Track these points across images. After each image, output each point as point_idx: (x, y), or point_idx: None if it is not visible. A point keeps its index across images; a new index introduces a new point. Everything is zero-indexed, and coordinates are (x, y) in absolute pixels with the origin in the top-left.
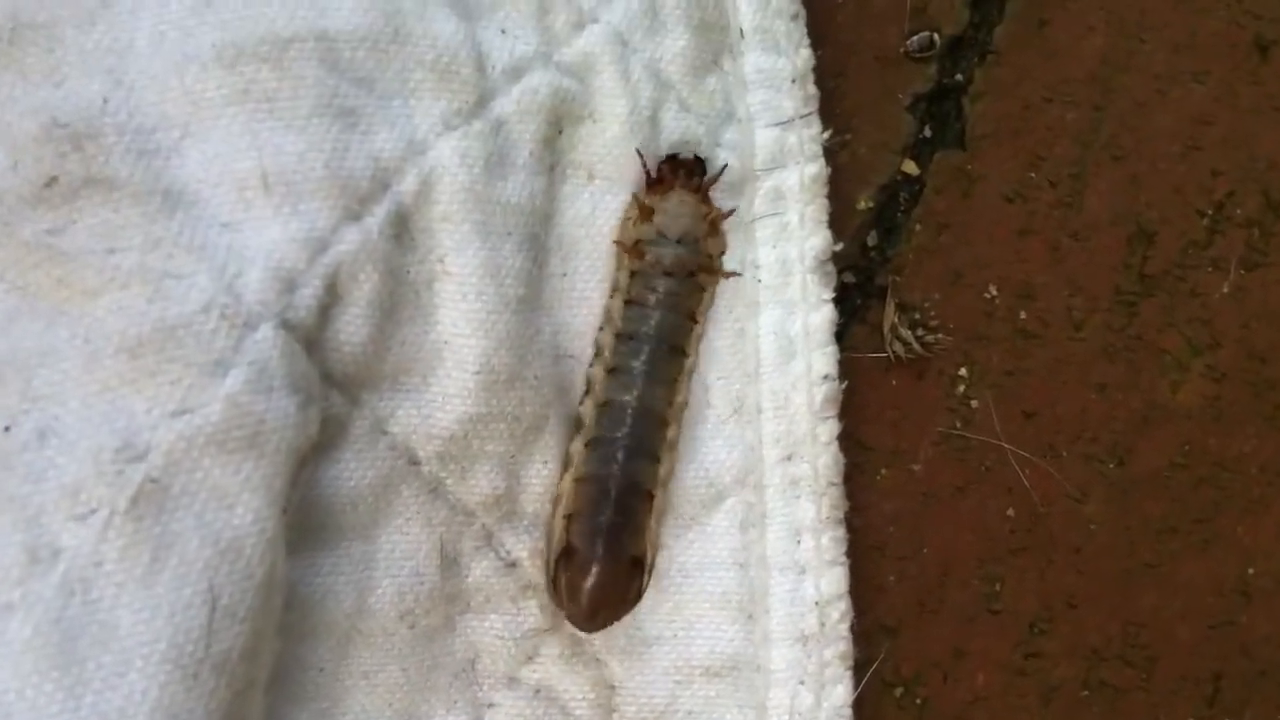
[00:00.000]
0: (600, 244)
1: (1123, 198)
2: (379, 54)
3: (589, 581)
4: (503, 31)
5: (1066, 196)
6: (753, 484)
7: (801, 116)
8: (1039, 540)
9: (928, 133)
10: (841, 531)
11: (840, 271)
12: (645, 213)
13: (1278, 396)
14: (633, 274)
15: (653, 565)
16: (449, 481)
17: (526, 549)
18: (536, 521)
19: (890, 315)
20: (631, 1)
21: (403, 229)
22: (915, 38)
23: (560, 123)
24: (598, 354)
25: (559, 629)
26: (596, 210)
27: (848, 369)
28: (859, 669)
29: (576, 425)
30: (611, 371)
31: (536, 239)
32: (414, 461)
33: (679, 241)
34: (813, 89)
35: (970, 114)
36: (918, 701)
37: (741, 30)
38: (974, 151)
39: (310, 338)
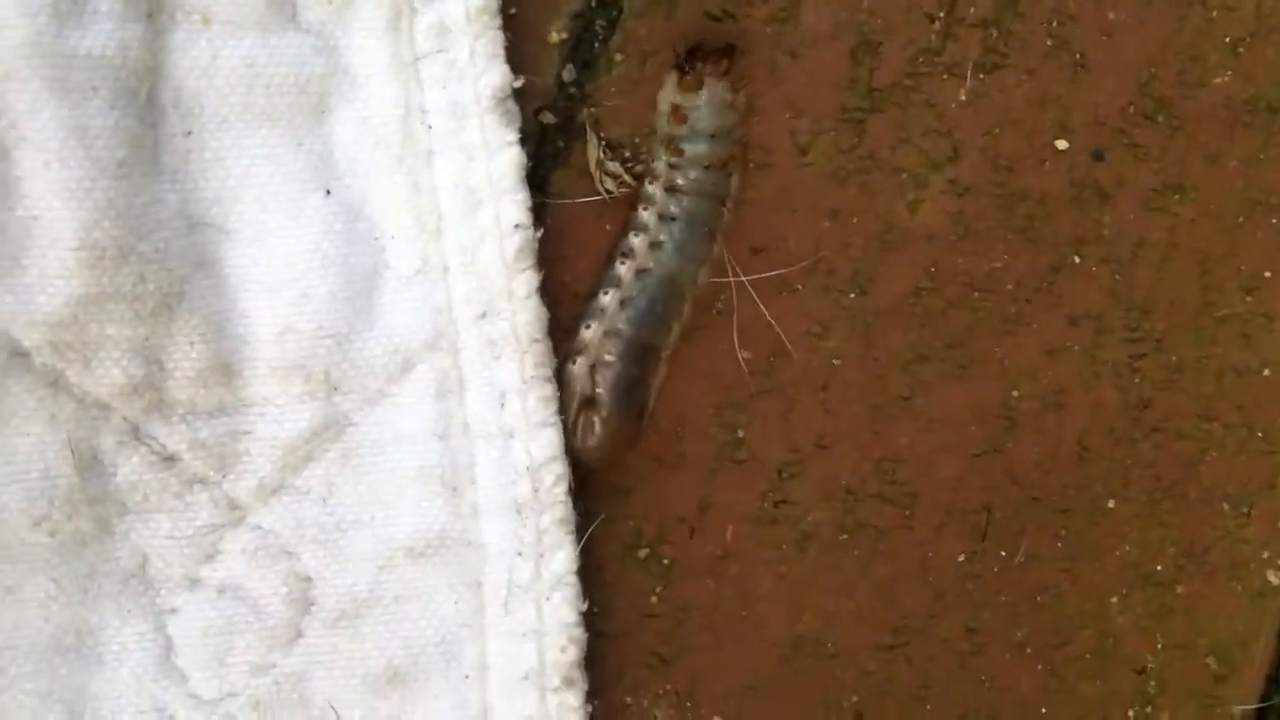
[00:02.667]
0: (229, 94)
1: (842, 7)
2: None
3: (607, 427)
4: None
5: (780, 10)
6: (445, 348)
7: None
8: (780, 382)
9: None
10: (550, 389)
11: (537, 112)
12: (680, 115)
13: (1028, 207)
14: (670, 165)
15: (648, 416)
16: (69, 372)
17: (185, 440)
18: (194, 409)
19: (594, 151)
20: None
21: None
22: None
23: None
24: (640, 228)
25: (238, 523)
26: (218, 59)
27: (555, 216)
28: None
29: (614, 283)
30: (652, 246)
31: (135, 94)
32: (20, 354)
33: (713, 136)
34: None
35: None
36: (664, 561)
37: None
38: None
39: None
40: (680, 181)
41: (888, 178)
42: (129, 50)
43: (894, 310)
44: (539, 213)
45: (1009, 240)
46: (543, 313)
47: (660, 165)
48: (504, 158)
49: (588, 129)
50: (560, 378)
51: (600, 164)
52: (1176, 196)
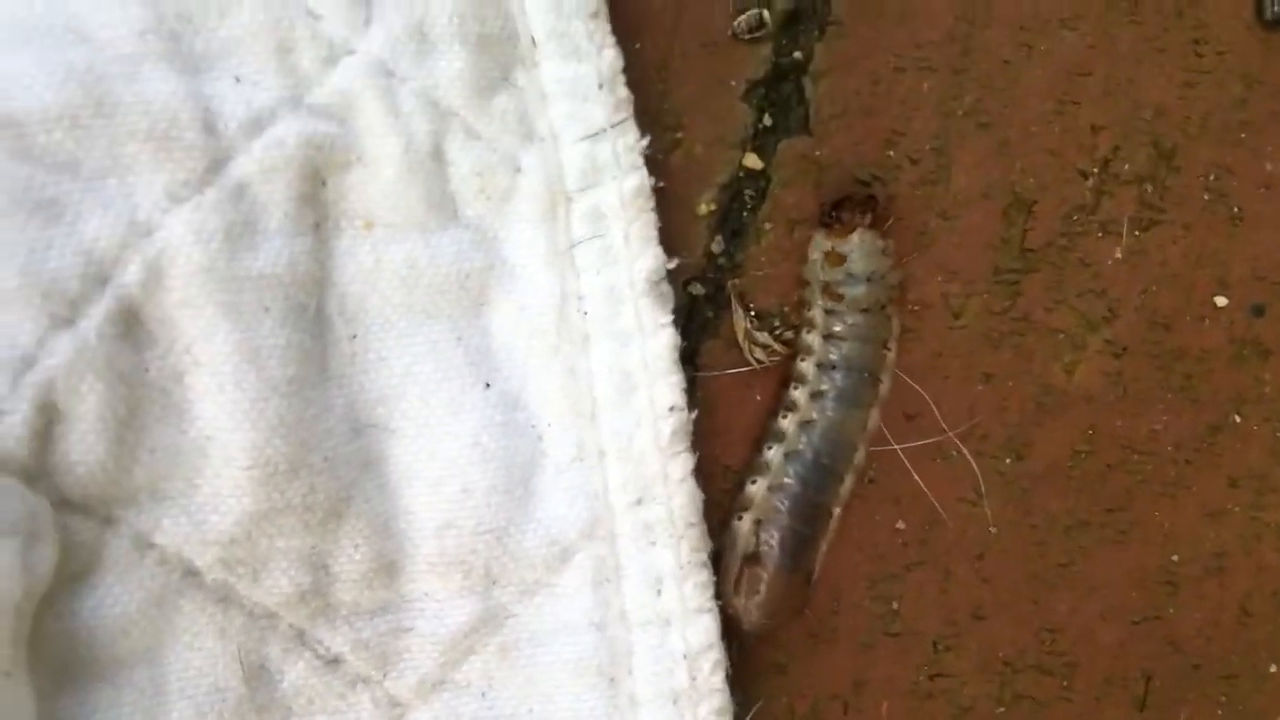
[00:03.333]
0: (391, 295)
1: (994, 167)
2: (80, 131)
3: (770, 587)
4: (237, 80)
5: (931, 173)
6: (602, 535)
7: (614, 125)
8: (935, 551)
9: (768, 121)
10: (706, 575)
11: (686, 284)
12: (835, 259)
13: (1186, 366)
14: (828, 312)
15: (815, 581)
16: (240, 586)
17: (349, 642)
18: (358, 610)
19: (741, 322)
20: (393, 26)
21: (133, 324)
22: (743, 17)
23: (322, 174)
24: (800, 380)
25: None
26: (381, 261)
27: (705, 391)
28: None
29: (778, 437)
30: (815, 396)
31: (305, 309)
32: (192, 572)
33: (869, 279)
34: (624, 92)
35: (814, 95)
36: None
37: (534, 38)
38: (821, 136)
39: (30, 467)
40: (838, 328)
41: (1043, 339)
42: (298, 265)
43: (1051, 475)
44: (689, 387)
45: (1168, 400)
46: (698, 495)
47: (817, 313)
48: (658, 340)
49: (733, 300)
50: (725, 537)
51: (749, 335)
52: None
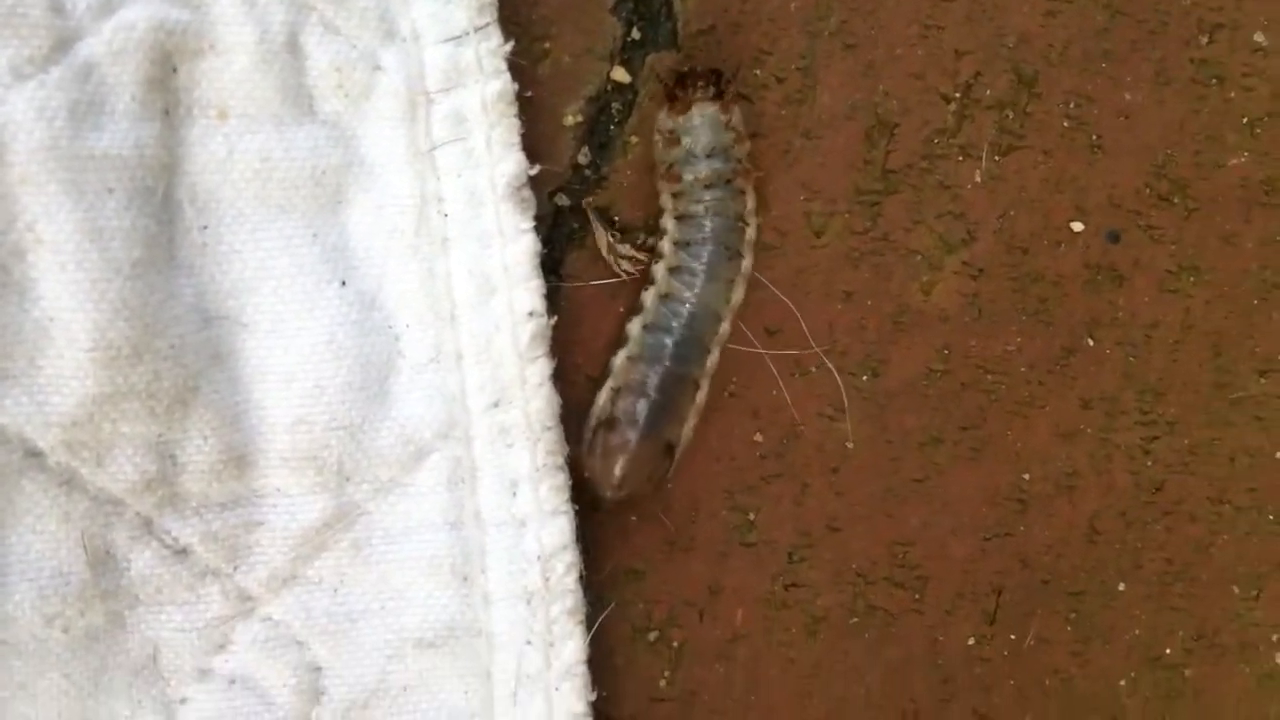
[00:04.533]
0: (245, 188)
1: (858, 89)
2: None
3: (624, 452)
4: None
5: (796, 92)
6: (458, 436)
7: (477, 29)
8: (792, 464)
9: (636, 35)
10: (562, 478)
11: (552, 194)
12: (671, 139)
13: (1041, 289)
14: (674, 194)
15: (680, 455)
16: (83, 470)
17: (198, 533)
18: (207, 502)
19: (603, 237)
20: None
21: None
22: None
23: (173, 59)
24: (658, 256)
25: (249, 613)
26: (235, 152)
27: (568, 300)
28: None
29: (636, 309)
30: (673, 270)
31: (152, 192)
32: (34, 453)
33: (709, 155)
34: None
35: (682, 10)
36: (674, 645)
37: None
38: (690, 51)
39: None
40: (689, 207)
41: (901, 259)
42: (145, 149)
43: (907, 392)
44: (553, 296)
45: (1023, 322)
46: (555, 400)
47: (665, 195)
48: (519, 245)
49: (592, 217)
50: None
51: (611, 248)
52: (1192, 278)
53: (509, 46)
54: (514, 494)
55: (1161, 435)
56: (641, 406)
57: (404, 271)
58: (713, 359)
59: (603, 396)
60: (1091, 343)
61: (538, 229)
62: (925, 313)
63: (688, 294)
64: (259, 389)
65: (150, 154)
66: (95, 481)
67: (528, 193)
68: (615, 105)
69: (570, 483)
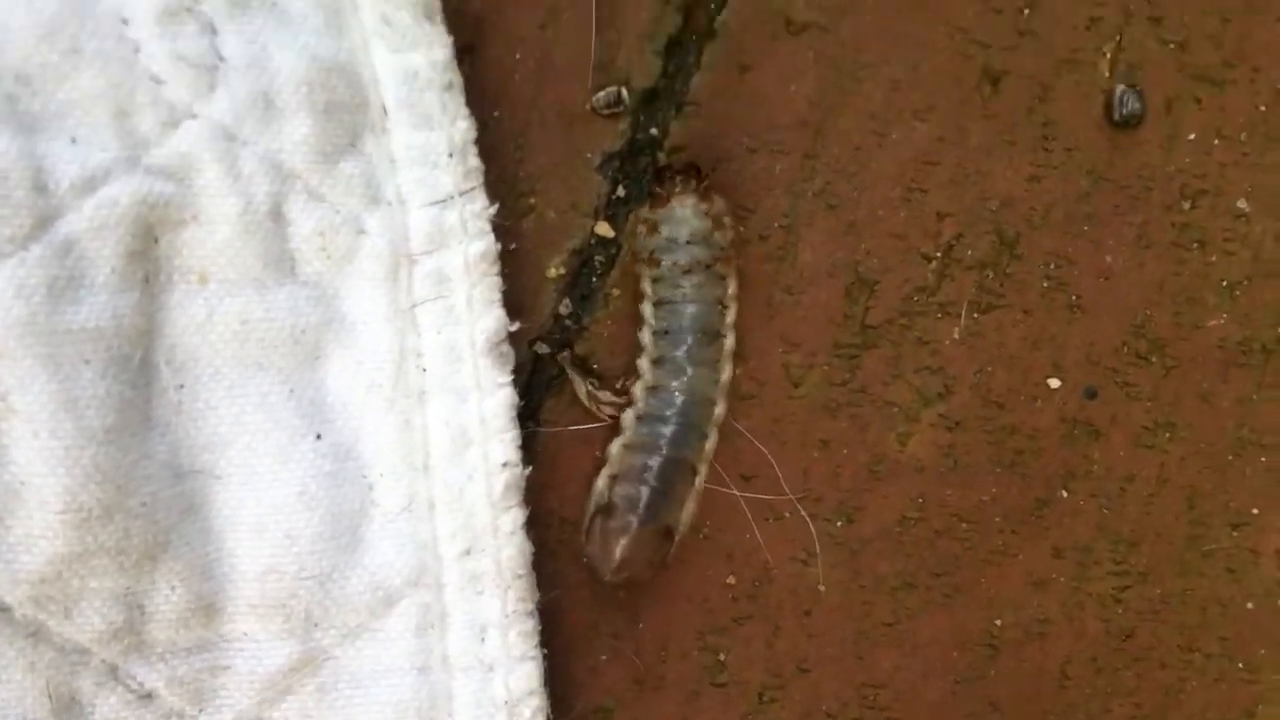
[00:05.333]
0: (223, 349)
1: (840, 247)
2: None
3: (623, 536)
4: (73, 141)
5: (779, 249)
6: (429, 583)
7: (463, 192)
8: (765, 606)
9: (621, 192)
10: (531, 624)
11: (532, 343)
12: (651, 227)
13: (1017, 442)
14: (654, 280)
15: (679, 537)
16: (50, 623)
17: (163, 678)
18: (173, 648)
19: (581, 387)
20: (238, 92)
21: None
22: (602, 93)
23: (154, 230)
24: (641, 350)
25: None
26: (214, 314)
27: (545, 446)
28: None
29: (628, 402)
30: (656, 361)
31: (129, 359)
32: (1, 608)
33: (689, 242)
34: (475, 162)
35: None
36: None
37: (385, 107)
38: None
39: None
40: (669, 294)
41: (878, 410)
42: (123, 318)
43: (880, 539)
44: (529, 441)
45: (998, 474)
46: (527, 548)
47: (645, 283)
48: (496, 399)
49: (568, 369)
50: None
51: (591, 396)
52: (1167, 434)
53: (494, 209)
54: (483, 640)
55: (1134, 584)
56: (640, 493)
57: (380, 424)
58: (710, 442)
59: (600, 483)
60: (1066, 494)
61: (516, 376)
62: (901, 463)
63: (675, 383)
64: (230, 539)
65: (129, 323)
66: (62, 632)
67: (507, 347)
68: (598, 258)
69: (539, 628)
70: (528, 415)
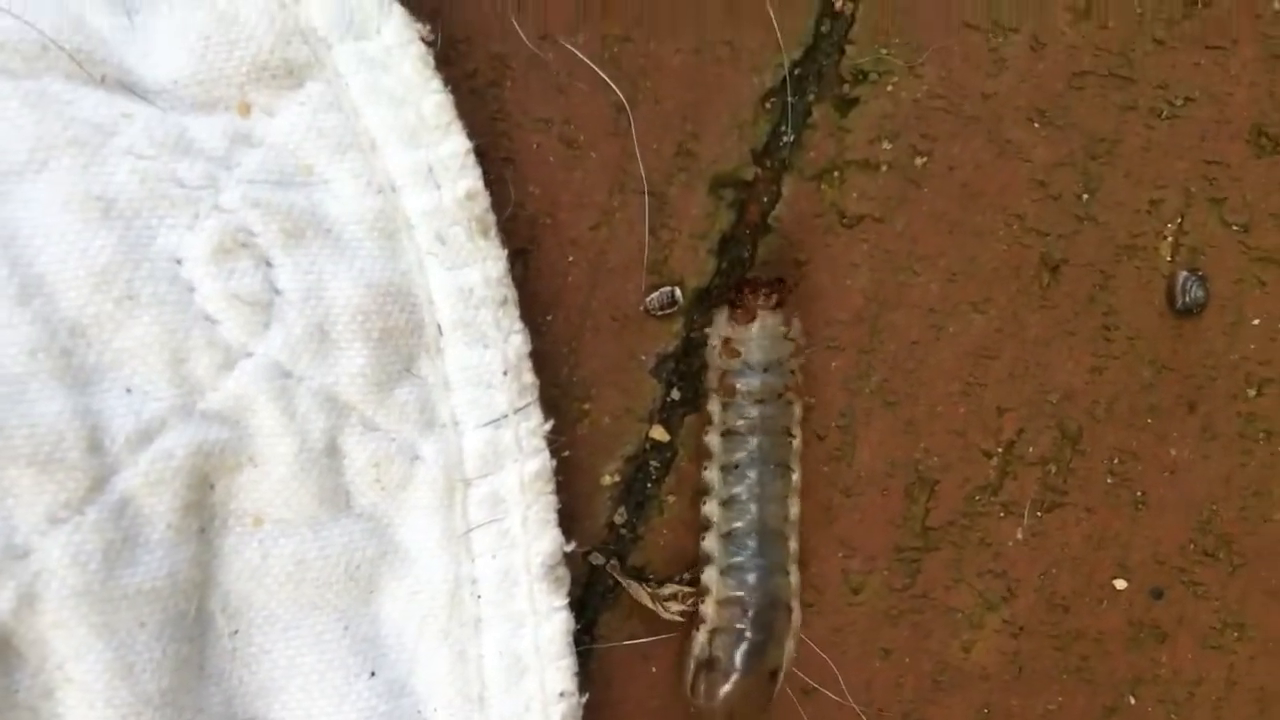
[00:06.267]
0: (278, 591)
1: (898, 446)
2: None
3: (728, 691)
4: (128, 391)
5: (836, 450)
6: None
7: (517, 410)
8: None
9: (676, 395)
10: None
11: (586, 554)
12: (730, 350)
13: (1083, 647)
14: (724, 407)
15: (784, 674)
16: None
17: None
18: None
19: (641, 593)
20: (293, 327)
21: (3, 649)
22: (656, 294)
23: (210, 479)
24: (707, 490)
25: None
26: (269, 557)
27: (601, 661)
28: None
29: (706, 559)
30: (725, 503)
31: (185, 615)
32: None
33: (765, 370)
34: (529, 378)
35: None
36: None
37: (440, 327)
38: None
39: None
40: (738, 423)
41: (941, 617)
42: (179, 575)
43: None
44: (584, 659)
45: (1064, 681)
46: None
47: (714, 408)
48: (552, 624)
49: (619, 578)
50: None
51: (655, 598)
52: (1236, 634)
53: (549, 425)
54: None
55: None
56: (740, 644)
57: (434, 656)
58: (795, 578)
59: (701, 638)
60: (1134, 701)
61: (571, 591)
62: (965, 671)
63: (746, 521)
64: None
65: (184, 577)
66: None
67: (563, 570)
68: (653, 464)
69: None
70: (582, 630)
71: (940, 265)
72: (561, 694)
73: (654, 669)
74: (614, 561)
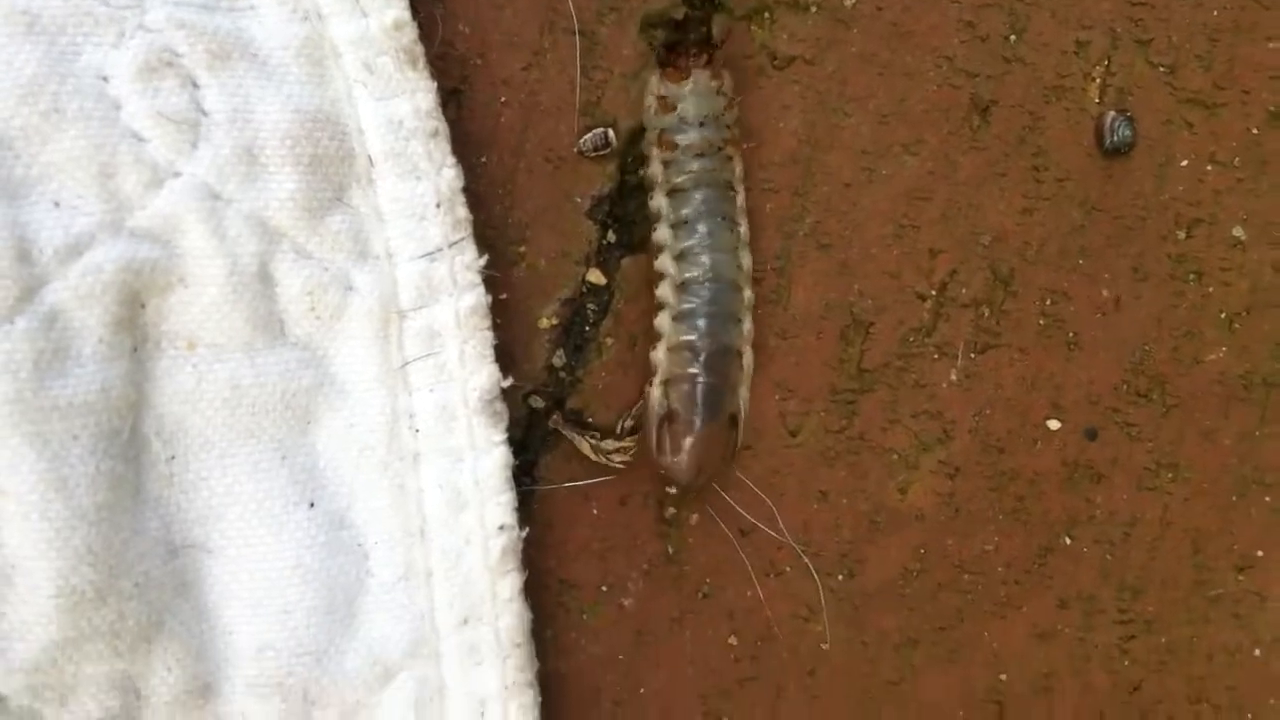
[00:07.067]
0: (213, 417)
1: (832, 288)
2: None
3: (691, 440)
4: (56, 205)
5: (771, 292)
6: (426, 654)
7: (451, 244)
8: (767, 667)
9: (611, 237)
10: (531, 695)
11: (526, 396)
12: (666, 105)
13: (1018, 488)
14: (665, 164)
15: (744, 422)
16: (47, 711)
17: None
18: None
19: (584, 441)
20: (221, 148)
21: None
22: (589, 135)
23: (141, 297)
24: (660, 247)
25: None
26: (203, 381)
27: (542, 504)
28: None
29: (660, 305)
30: (679, 257)
31: (118, 433)
32: None
33: (701, 124)
34: (463, 212)
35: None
36: None
37: (370, 157)
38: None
39: None
40: (681, 179)
41: (877, 458)
42: (111, 390)
43: (883, 593)
44: (525, 500)
45: (999, 522)
46: (526, 615)
47: (656, 167)
48: (491, 459)
49: (565, 431)
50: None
51: (597, 449)
52: (1170, 475)
53: (483, 260)
54: (482, 713)
55: (1139, 634)
56: (697, 391)
57: (374, 489)
58: (747, 326)
59: (655, 392)
60: (1069, 541)
61: (511, 433)
62: (901, 512)
63: (700, 272)
64: (225, 615)
65: (117, 394)
66: None
67: (500, 405)
68: (591, 307)
69: (539, 700)
70: (523, 472)
71: (871, 107)
72: (501, 527)
73: (595, 510)
74: (557, 415)
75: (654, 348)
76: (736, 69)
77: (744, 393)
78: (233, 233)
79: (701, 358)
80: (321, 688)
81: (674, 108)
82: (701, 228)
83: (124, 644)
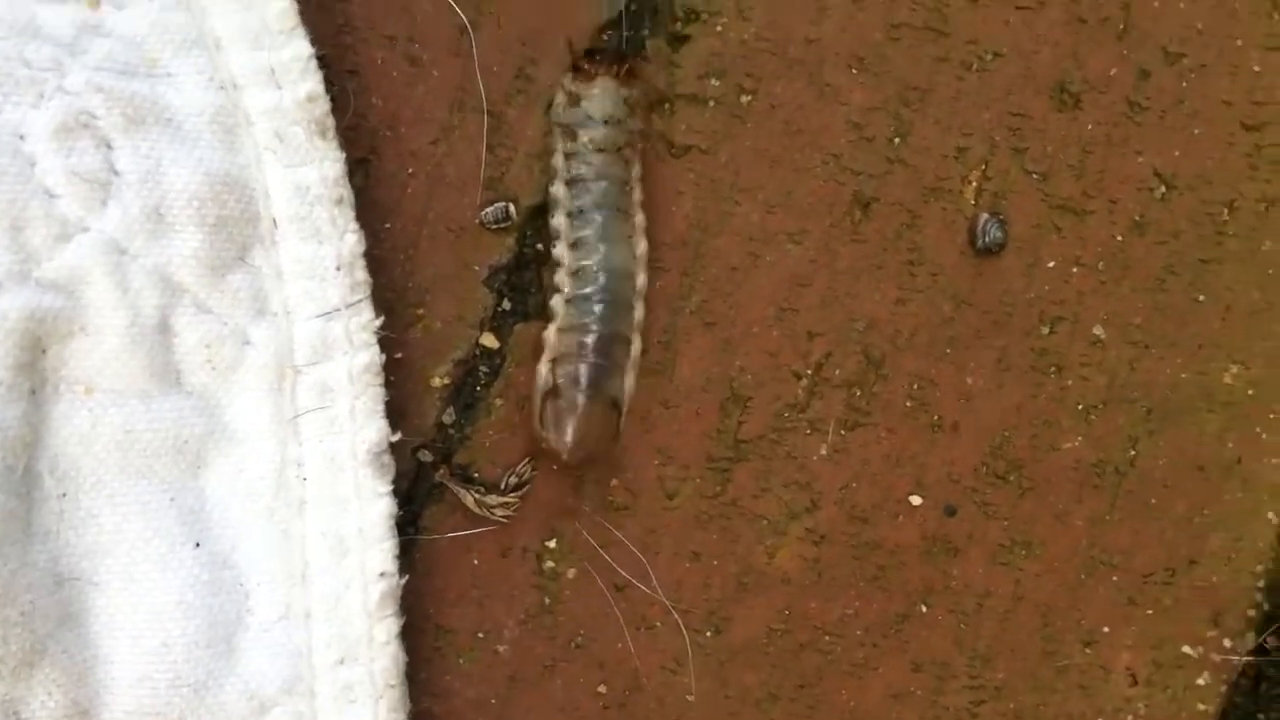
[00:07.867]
0: (106, 458)
1: (715, 363)
2: None
3: (572, 416)
4: None
5: (657, 364)
6: (302, 691)
7: (349, 305)
8: (634, 715)
9: (507, 305)
10: None
11: (415, 450)
12: (573, 99)
13: (879, 558)
14: (567, 155)
15: (627, 408)
16: None
17: None
18: None
19: (468, 498)
20: (130, 207)
21: None
22: (491, 208)
23: (43, 343)
24: (556, 236)
25: None
26: (99, 424)
27: (424, 553)
28: None
29: (555, 289)
30: (574, 245)
31: (12, 470)
32: None
33: (605, 122)
34: (362, 275)
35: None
36: None
37: (275, 220)
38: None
39: None
40: (580, 170)
41: (748, 524)
42: (9, 430)
43: (748, 650)
44: (408, 549)
45: (860, 588)
46: (401, 658)
47: (559, 160)
48: (375, 508)
49: (450, 485)
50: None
51: (481, 503)
52: (1023, 552)
53: (379, 321)
54: None
55: (989, 699)
56: (581, 370)
57: (259, 533)
58: (638, 313)
59: (543, 369)
60: (925, 609)
61: (398, 484)
62: (768, 575)
63: (594, 261)
64: (107, 646)
65: (14, 433)
66: None
67: (388, 458)
68: (483, 369)
69: None
70: (408, 522)
71: (760, 197)
72: (382, 574)
73: (476, 560)
74: (443, 469)
75: (545, 329)
76: (651, 91)
77: (630, 379)
78: (136, 285)
79: (590, 339)
80: (198, 717)
81: (579, 103)
82: (597, 217)
83: (6, 668)
